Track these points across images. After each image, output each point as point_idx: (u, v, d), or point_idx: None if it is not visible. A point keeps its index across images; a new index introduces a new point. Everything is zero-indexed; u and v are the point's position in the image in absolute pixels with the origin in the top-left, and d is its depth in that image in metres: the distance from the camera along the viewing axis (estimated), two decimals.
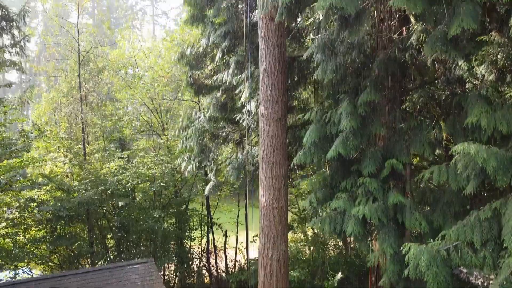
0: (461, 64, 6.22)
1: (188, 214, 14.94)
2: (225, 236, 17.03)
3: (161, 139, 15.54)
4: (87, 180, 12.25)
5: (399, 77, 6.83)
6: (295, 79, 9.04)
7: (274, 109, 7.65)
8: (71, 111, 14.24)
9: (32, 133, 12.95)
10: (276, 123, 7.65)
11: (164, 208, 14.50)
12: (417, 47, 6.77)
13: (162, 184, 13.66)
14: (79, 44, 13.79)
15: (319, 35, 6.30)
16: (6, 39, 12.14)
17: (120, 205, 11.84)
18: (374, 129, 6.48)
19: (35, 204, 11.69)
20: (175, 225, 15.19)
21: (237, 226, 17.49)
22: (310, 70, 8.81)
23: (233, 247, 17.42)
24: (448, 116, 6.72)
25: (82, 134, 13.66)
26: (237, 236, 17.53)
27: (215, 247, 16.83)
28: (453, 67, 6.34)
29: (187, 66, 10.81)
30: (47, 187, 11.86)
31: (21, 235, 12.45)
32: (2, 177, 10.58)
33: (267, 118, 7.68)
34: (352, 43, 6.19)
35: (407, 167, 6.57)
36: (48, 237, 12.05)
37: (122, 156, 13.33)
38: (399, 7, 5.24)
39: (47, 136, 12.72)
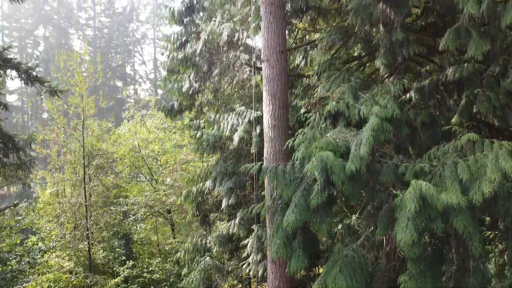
0: None
1: None
2: None
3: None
4: None
5: None
6: None
7: None
8: (76, 214, 14.26)
9: (37, 245, 13.05)
10: None
11: None
12: None
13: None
14: (84, 149, 13.83)
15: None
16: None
17: None
18: None
19: None
20: None
21: None
22: None
23: None
24: None
25: (87, 241, 13.70)
26: None
27: None
28: None
29: (193, 202, 10.86)
30: None
31: None
32: None
33: None
34: None
35: None
36: None
37: (126, 264, 13.40)
38: None
39: (52, 250, 12.81)
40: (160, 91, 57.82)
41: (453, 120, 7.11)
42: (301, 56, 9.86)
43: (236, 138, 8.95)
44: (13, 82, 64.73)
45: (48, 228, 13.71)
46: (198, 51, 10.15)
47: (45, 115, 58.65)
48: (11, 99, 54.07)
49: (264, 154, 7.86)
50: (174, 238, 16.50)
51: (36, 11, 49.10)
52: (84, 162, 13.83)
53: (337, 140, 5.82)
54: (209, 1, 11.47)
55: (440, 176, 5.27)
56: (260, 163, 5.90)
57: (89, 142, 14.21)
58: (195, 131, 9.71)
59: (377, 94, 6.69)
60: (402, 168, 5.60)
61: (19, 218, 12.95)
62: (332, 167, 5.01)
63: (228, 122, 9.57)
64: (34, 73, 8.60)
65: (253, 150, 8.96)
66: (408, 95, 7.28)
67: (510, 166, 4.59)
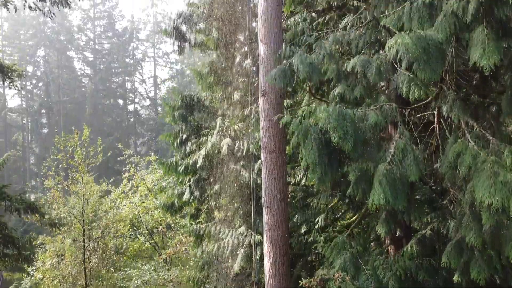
0: None
1: None
2: None
3: None
4: None
5: None
6: None
7: None
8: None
9: None
10: None
11: None
12: None
13: None
14: (84, 230, 13.78)
15: None
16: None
17: None
18: None
19: None
20: None
21: None
22: None
23: None
24: None
25: None
26: None
27: None
28: None
29: None
30: None
31: None
32: None
33: None
34: None
35: None
36: None
37: None
38: None
39: None
40: (159, 109, 57.97)
41: (454, 279, 7.09)
42: (302, 173, 9.83)
43: (236, 267, 8.93)
44: (13, 100, 64.81)
45: None
46: (198, 164, 10.12)
47: (45, 130, 58.83)
48: (11, 115, 54.09)
49: None
50: None
51: (37, 33, 49.08)
52: (84, 244, 13.79)
53: None
54: (208, 100, 11.48)
55: None
56: None
57: (89, 220, 14.16)
58: (195, 250, 9.68)
59: (378, 267, 6.70)
60: None
61: None
62: None
63: (228, 242, 9.54)
64: (33, 207, 8.64)
65: (253, 278, 8.96)
66: (408, 247, 7.26)
67: None
